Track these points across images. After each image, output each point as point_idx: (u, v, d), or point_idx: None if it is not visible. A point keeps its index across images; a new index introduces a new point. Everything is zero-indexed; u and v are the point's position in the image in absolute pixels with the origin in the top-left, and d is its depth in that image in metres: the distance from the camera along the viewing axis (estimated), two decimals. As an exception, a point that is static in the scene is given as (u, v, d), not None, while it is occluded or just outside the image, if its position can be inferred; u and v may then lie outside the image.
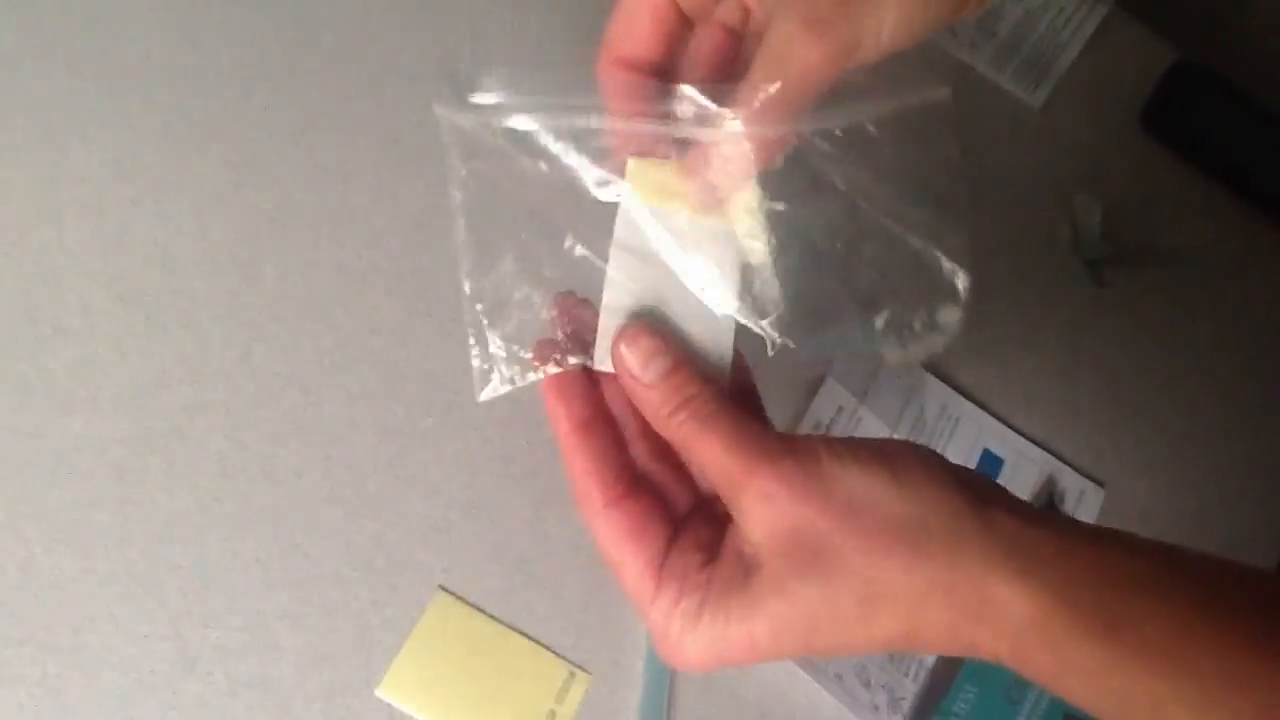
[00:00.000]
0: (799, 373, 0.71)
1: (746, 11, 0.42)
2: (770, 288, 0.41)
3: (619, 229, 0.40)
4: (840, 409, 0.71)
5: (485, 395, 0.42)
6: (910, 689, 0.65)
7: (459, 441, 0.65)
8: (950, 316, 0.42)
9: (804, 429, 0.70)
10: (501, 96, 0.39)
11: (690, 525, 0.40)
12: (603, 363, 0.40)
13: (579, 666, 0.62)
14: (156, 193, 0.67)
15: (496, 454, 0.65)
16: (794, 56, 0.36)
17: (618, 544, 0.39)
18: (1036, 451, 0.74)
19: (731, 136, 0.38)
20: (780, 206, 0.40)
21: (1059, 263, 0.82)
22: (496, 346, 0.42)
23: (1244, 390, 0.81)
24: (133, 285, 0.64)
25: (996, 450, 0.73)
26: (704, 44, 0.42)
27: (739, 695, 0.63)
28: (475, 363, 0.42)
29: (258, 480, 0.62)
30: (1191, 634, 0.32)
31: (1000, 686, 0.65)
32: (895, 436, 0.71)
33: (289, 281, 0.67)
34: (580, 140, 0.39)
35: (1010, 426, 0.74)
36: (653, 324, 0.40)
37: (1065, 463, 0.74)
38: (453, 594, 0.62)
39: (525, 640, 0.62)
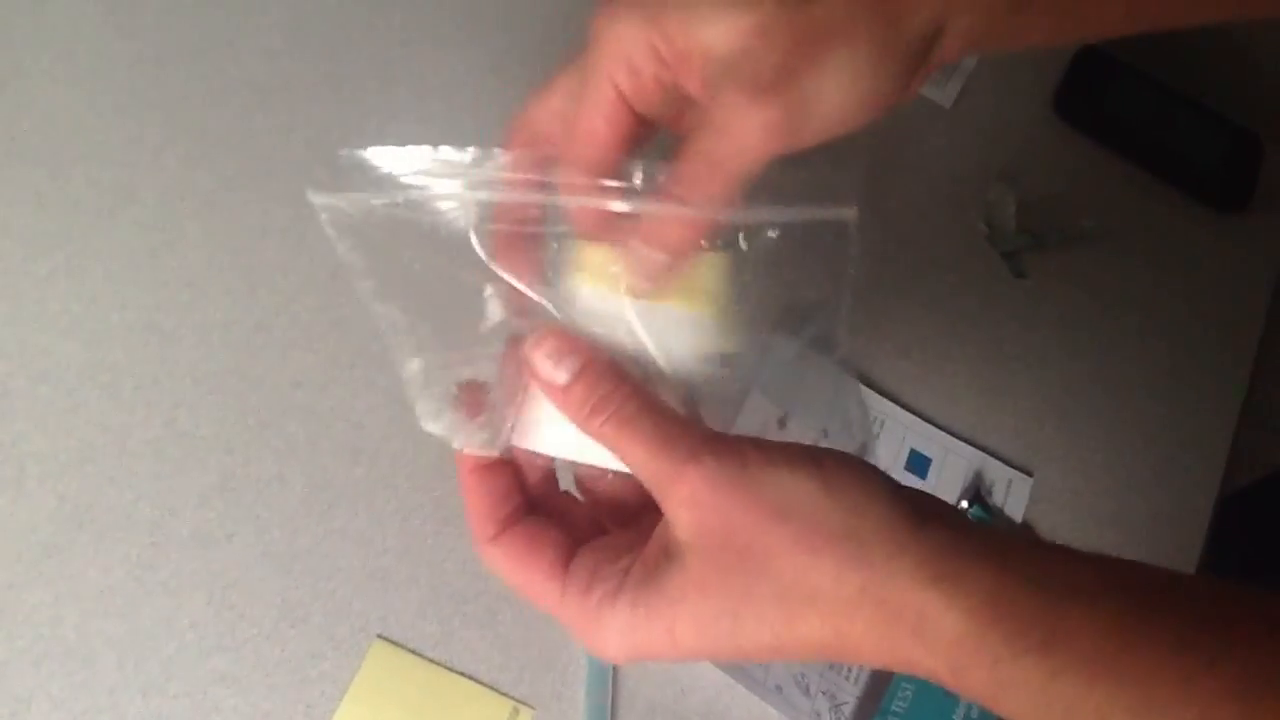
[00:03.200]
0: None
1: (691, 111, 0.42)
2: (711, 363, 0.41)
3: (562, 314, 0.40)
4: (766, 421, 0.72)
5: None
6: (851, 692, 0.66)
7: (389, 489, 0.66)
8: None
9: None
10: (383, 173, 0.39)
11: (598, 538, 0.40)
12: (521, 440, 0.40)
13: (522, 702, 0.62)
14: (71, 265, 0.68)
15: (428, 498, 0.66)
16: (736, 124, 0.36)
17: (513, 565, 0.39)
18: (963, 447, 0.75)
19: (667, 213, 0.37)
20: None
21: (977, 257, 0.83)
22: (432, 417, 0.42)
23: (1168, 369, 0.82)
24: (52, 361, 0.65)
25: (923, 449, 0.74)
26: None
27: (681, 716, 0.64)
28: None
29: (189, 545, 0.62)
30: (1130, 643, 0.32)
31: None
32: (824, 443, 0.72)
33: (209, 344, 0.67)
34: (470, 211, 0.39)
35: (936, 424, 0.75)
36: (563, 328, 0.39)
37: (993, 455, 0.75)
38: (391, 641, 0.62)
39: (467, 681, 0.62)
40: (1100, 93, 0.89)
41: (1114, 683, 0.31)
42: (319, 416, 0.67)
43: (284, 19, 0.78)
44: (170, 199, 0.71)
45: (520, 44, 0.82)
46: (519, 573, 0.39)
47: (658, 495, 0.36)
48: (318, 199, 0.39)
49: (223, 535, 0.63)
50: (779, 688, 0.65)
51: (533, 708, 0.62)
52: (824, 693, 0.65)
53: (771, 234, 0.39)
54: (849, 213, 0.38)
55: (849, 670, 0.66)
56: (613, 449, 0.37)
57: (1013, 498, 0.74)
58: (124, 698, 0.58)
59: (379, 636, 0.62)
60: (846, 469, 0.35)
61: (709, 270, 0.40)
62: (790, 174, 0.39)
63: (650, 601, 0.35)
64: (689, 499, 0.35)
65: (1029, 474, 0.75)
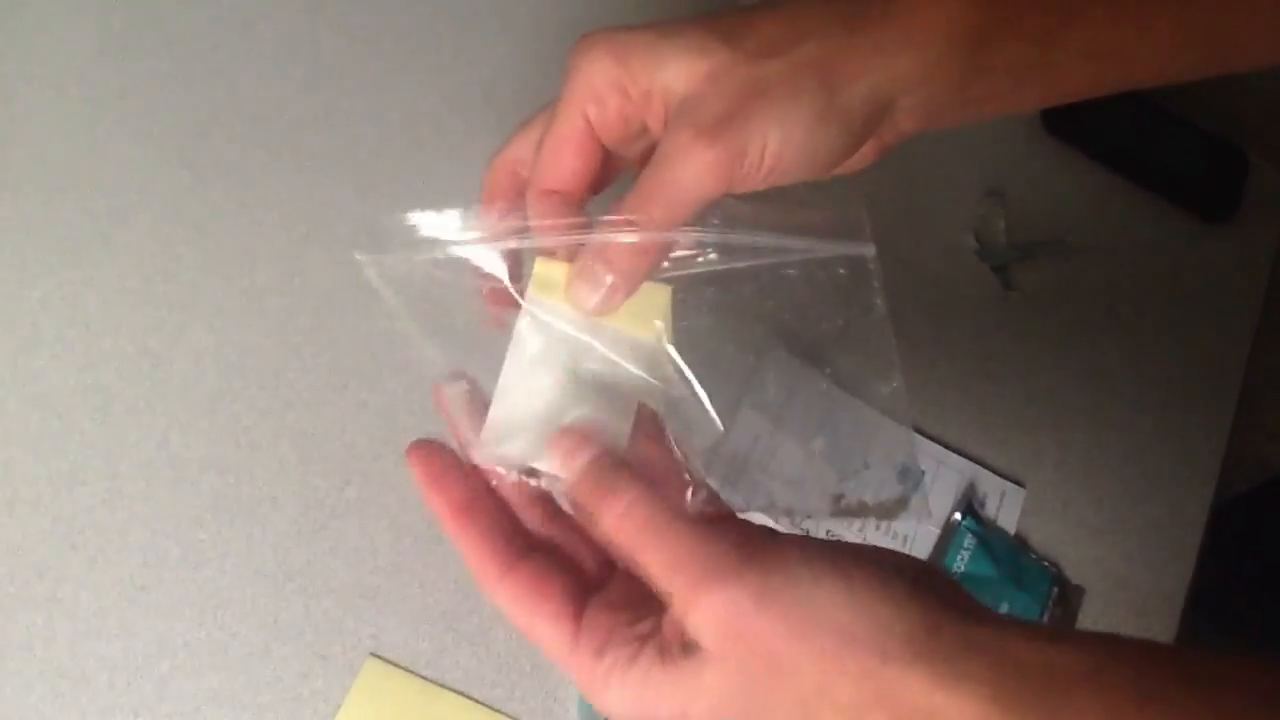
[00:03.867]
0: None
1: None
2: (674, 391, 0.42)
3: (520, 326, 0.41)
4: (757, 437, 0.72)
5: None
6: None
7: (381, 507, 0.66)
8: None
9: (722, 459, 0.71)
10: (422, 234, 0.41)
11: (605, 580, 0.40)
12: (485, 459, 0.40)
13: (514, 718, 0.62)
14: (63, 292, 0.68)
15: (419, 517, 0.66)
16: (679, 160, 0.38)
17: (522, 607, 0.38)
18: (955, 459, 0.75)
19: (617, 237, 0.39)
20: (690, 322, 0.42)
21: (966, 270, 0.83)
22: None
23: (1158, 380, 0.82)
24: (44, 385, 0.65)
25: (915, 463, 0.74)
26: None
27: (675, 730, 0.64)
28: None
29: (181, 566, 0.62)
30: None
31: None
32: (814, 459, 0.73)
33: (201, 367, 0.68)
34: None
35: (928, 437, 0.76)
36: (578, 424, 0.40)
37: (985, 467, 0.75)
38: (383, 659, 0.62)
39: (458, 698, 0.62)
40: (1088, 108, 0.89)
41: None
42: (310, 437, 0.67)
43: (276, 46, 0.79)
44: (163, 224, 0.71)
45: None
46: (526, 613, 0.38)
47: (677, 607, 0.36)
48: (364, 258, 0.40)
49: (215, 555, 0.63)
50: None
51: (526, 724, 0.62)
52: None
53: (790, 272, 0.41)
54: (867, 249, 0.41)
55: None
56: (628, 555, 0.37)
57: (1005, 509, 0.74)
58: (117, 718, 0.58)
59: (371, 655, 0.62)
60: (874, 578, 0.35)
61: (649, 299, 0.40)
62: (801, 211, 0.41)
63: (663, 686, 0.36)
64: (712, 619, 0.35)
65: (1021, 485, 0.75)
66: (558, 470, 0.39)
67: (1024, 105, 0.44)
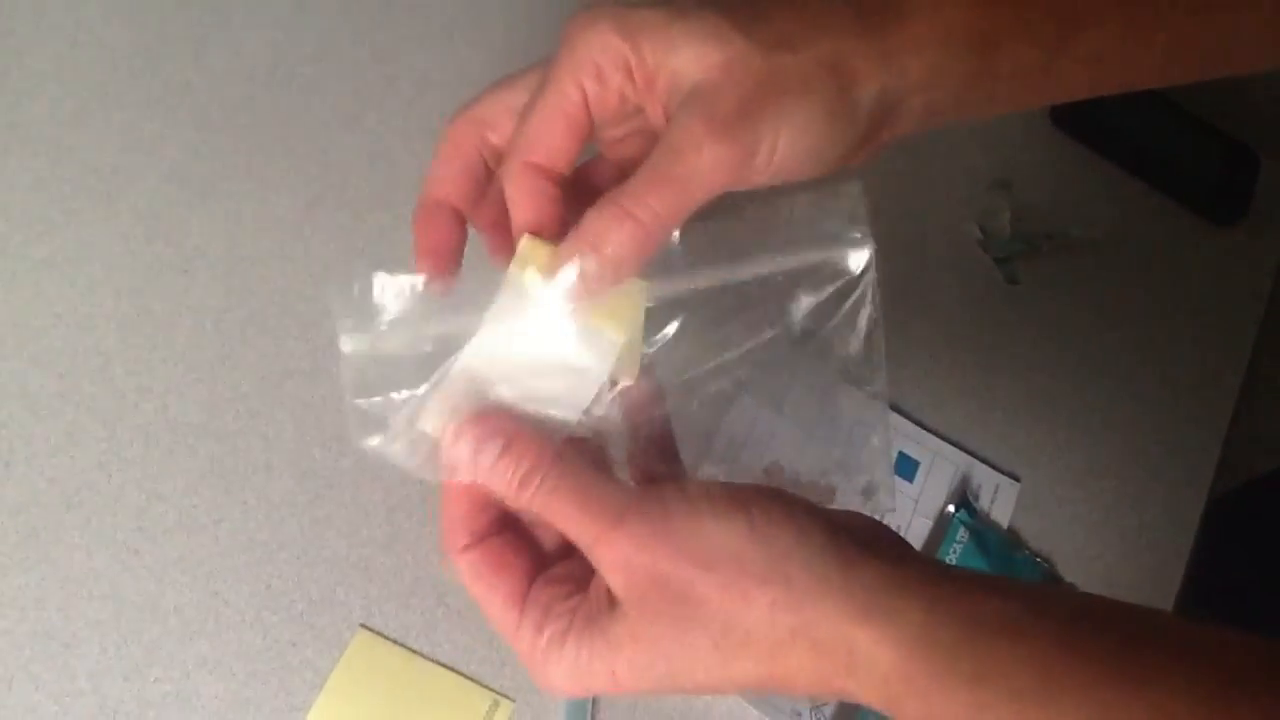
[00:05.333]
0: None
1: (635, 133, 0.43)
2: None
3: (500, 299, 0.40)
4: (755, 422, 0.72)
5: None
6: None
7: (376, 480, 0.66)
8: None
9: (718, 446, 0.71)
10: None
11: (560, 560, 0.41)
12: (426, 424, 0.40)
13: (502, 694, 0.63)
14: (67, 252, 0.68)
15: (414, 490, 0.66)
16: (691, 153, 0.37)
17: (479, 580, 0.40)
18: (952, 450, 0.75)
19: (610, 222, 0.37)
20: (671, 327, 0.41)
21: (970, 262, 0.83)
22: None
23: (1158, 379, 0.82)
24: (44, 345, 0.65)
25: (911, 452, 0.74)
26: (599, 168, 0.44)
27: (663, 713, 0.64)
28: None
29: (175, 531, 0.63)
30: (1059, 676, 0.33)
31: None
32: (808, 450, 0.73)
33: (202, 331, 0.68)
34: None
35: (924, 427, 0.76)
36: (479, 410, 0.40)
37: (981, 460, 0.75)
38: (374, 631, 0.63)
39: (448, 672, 0.63)
40: (1096, 103, 0.89)
41: (1042, 717, 0.33)
42: (308, 407, 0.67)
43: (288, 7, 0.78)
44: (167, 188, 0.71)
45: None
46: (482, 587, 0.40)
47: (591, 559, 0.37)
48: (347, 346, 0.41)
49: (209, 522, 0.63)
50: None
51: (512, 700, 0.63)
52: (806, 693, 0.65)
53: (780, 278, 0.41)
54: (864, 255, 0.41)
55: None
56: (546, 519, 0.38)
57: (1000, 503, 0.74)
58: (106, 681, 0.58)
59: (362, 626, 0.63)
60: (775, 511, 0.36)
61: (626, 295, 0.40)
62: (799, 215, 0.41)
63: (594, 646, 0.37)
64: (618, 561, 0.36)
65: (1016, 479, 0.75)
66: (469, 462, 0.39)
67: (1022, 106, 0.44)
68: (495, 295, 0.40)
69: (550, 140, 0.40)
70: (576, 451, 0.39)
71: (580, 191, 0.42)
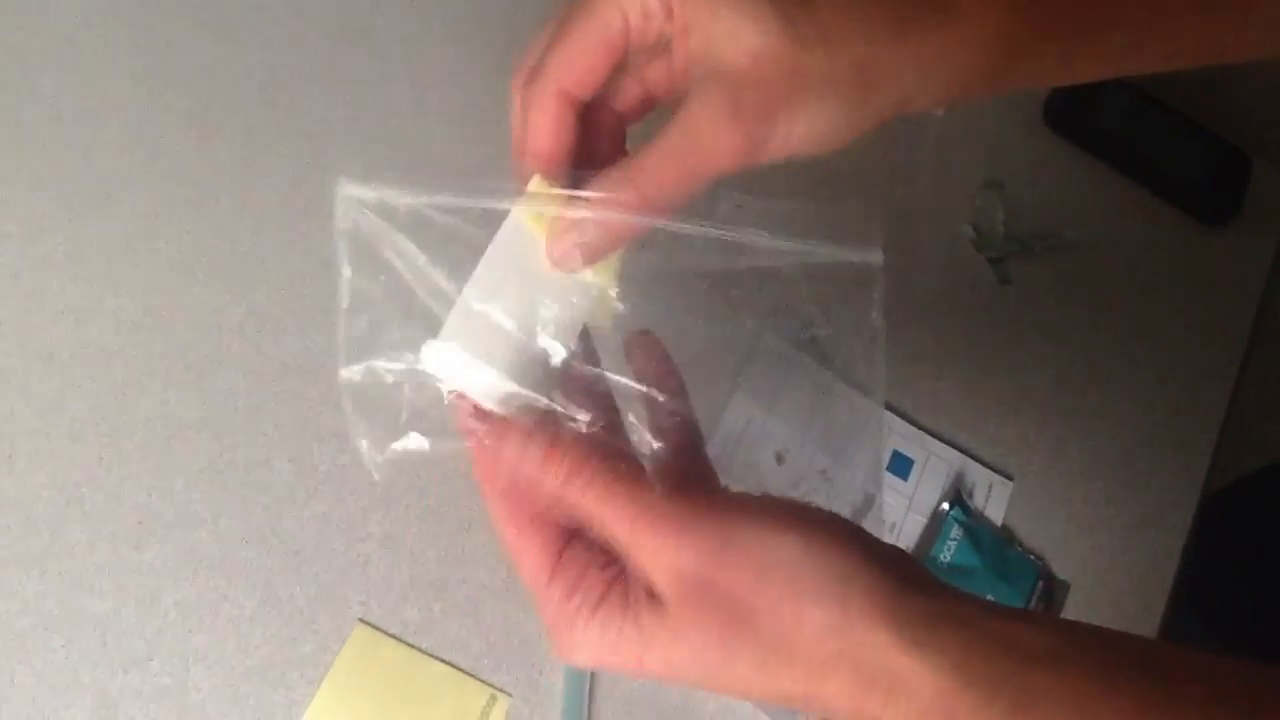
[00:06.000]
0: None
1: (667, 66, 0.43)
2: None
3: (501, 233, 0.41)
4: (750, 420, 0.73)
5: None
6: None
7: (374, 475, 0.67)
8: None
9: (716, 442, 0.72)
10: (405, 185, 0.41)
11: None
12: (429, 361, 0.40)
13: (499, 689, 0.63)
14: (68, 249, 0.69)
15: (412, 485, 0.67)
16: (708, 138, 0.38)
17: (511, 524, 0.39)
18: (945, 449, 0.76)
19: (619, 194, 0.39)
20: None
21: (964, 262, 0.84)
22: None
23: (1151, 379, 0.83)
24: (46, 342, 0.66)
25: (905, 451, 0.75)
26: (627, 97, 0.44)
27: (659, 708, 0.65)
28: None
29: (174, 526, 0.63)
30: (1094, 709, 0.33)
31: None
32: (805, 445, 0.73)
33: (201, 328, 0.68)
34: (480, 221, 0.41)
35: (919, 426, 0.76)
36: (517, 410, 0.40)
37: (974, 458, 0.76)
38: (372, 626, 0.63)
39: (445, 667, 0.63)
40: (1090, 105, 0.90)
41: None
42: (307, 402, 0.68)
43: (286, 10, 0.79)
44: (168, 186, 0.72)
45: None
46: (513, 539, 0.39)
47: (638, 561, 0.37)
48: (348, 190, 0.42)
49: (209, 517, 0.64)
50: (755, 681, 0.65)
51: (509, 695, 0.63)
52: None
53: (790, 271, 0.42)
54: (875, 255, 0.42)
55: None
56: (591, 519, 0.38)
57: (993, 501, 0.75)
58: (106, 674, 0.59)
59: (360, 621, 0.63)
60: (836, 532, 0.36)
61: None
62: (815, 209, 0.42)
63: (624, 630, 0.36)
64: (674, 570, 0.36)
65: (1010, 478, 0.76)
66: (516, 457, 0.39)
67: (1028, 89, 0.45)
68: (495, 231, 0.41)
69: (585, 65, 0.40)
70: (617, 456, 0.39)
71: (590, 111, 0.43)
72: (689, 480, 0.42)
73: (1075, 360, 0.82)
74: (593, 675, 0.64)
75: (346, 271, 0.41)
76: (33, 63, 0.73)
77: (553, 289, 0.41)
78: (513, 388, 0.40)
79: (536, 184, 0.41)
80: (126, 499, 0.63)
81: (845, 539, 0.36)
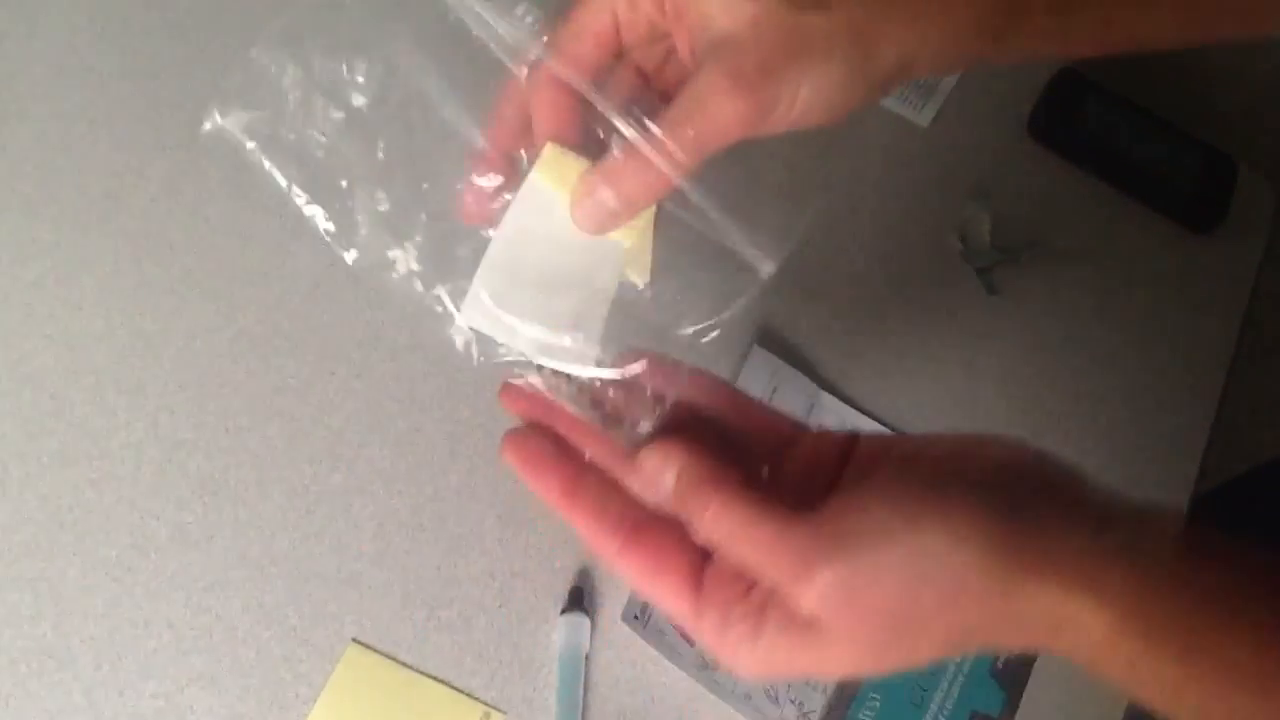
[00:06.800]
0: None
1: (668, 55, 0.45)
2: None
3: (520, 197, 0.42)
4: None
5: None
6: (818, 700, 0.67)
7: (366, 494, 0.67)
8: None
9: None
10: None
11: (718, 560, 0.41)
12: (468, 316, 0.42)
13: (493, 706, 0.63)
14: (58, 273, 0.69)
15: (403, 504, 0.67)
16: (713, 105, 0.39)
17: (645, 583, 0.40)
18: (935, 460, 0.76)
19: (629, 162, 0.40)
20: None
21: (950, 273, 0.84)
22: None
23: (1139, 388, 0.83)
24: (36, 365, 0.66)
25: (895, 462, 0.75)
26: (621, 83, 0.45)
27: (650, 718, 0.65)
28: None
29: (167, 547, 0.63)
30: (1273, 653, 0.33)
31: (905, 691, 0.67)
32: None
33: (191, 349, 0.69)
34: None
35: (908, 438, 0.76)
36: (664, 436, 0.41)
37: (964, 469, 0.76)
38: (365, 645, 0.63)
39: (439, 685, 0.63)
40: (1075, 115, 0.91)
41: (1253, 693, 0.33)
42: (298, 422, 0.68)
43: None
44: (156, 207, 0.72)
45: None
46: (650, 589, 0.40)
47: (782, 592, 0.37)
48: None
49: (201, 538, 0.64)
50: (748, 695, 0.66)
51: (504, 712, 0.63)
52: (792, 701, 0.66)
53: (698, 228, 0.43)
54: (768, 266, 0.43)
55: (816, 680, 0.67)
56: (725, 546, 0.38)
57: (982, 511, 0.75)
58: (100, 696, 0.59)
59: (354, 640, 0.63)
60: (953, 508, 0.36)
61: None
62: (749, 194, 0.42)
63: (792, 653, 0.37)
64: (820, 602, 0.36)
65: (999, 488, 0.76)
66: (643, 488, 0.40)
67: (1029, 61, 0.45)
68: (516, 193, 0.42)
69: (578, 57, 0.42)
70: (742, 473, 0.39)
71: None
72: (807, 481, 0.42)
73: (1064, 369, 0.82)
74: (586, 692, 0.64)
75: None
76: (21, 86, 0.74)
77: (577, 249, 0.42)
78: (554, 340, 0.41)
79: (550, 152, 0.42)
80: (119, 521, 0.63)
81: (965, 508, 0.36)
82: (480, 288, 0.42)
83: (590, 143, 0.42)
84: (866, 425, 0.76)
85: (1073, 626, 0.34)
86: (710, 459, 0.39)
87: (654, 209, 0.43)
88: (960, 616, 0.36)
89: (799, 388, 0.76)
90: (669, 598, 0.40)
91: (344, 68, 0.42)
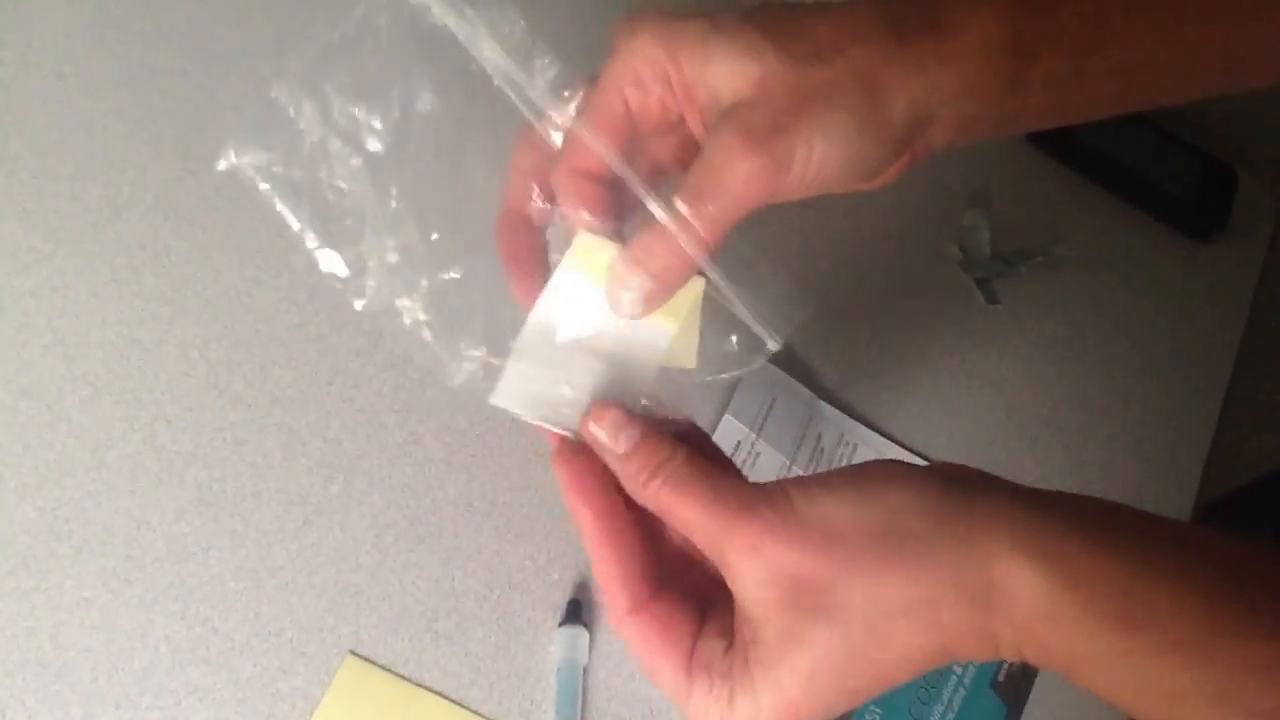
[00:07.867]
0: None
1: (683, 144, 0.44)
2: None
3: (552, 286, 0.42)
4: (738, 444, 0.73)
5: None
6: (818, 714, 0.66)
7: (364, 506, 0.67)
8: None
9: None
10: None
11: (715, 610, 0.41)
12: (501, 400, 0.42)
13: (491, 719, 0.63)
14: (54, 283, 0.69)
15: (401, 516, 0.67)
16: (726, 167, 0.38)
17: (647, 649, 0.40)
18: (934, 470, 0.76)
19: (668, 242, 0.39)
20: None
21: (950, 282, 0.84)
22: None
23: (1140, 397, 0.83)
24: (33, 376, 0.66)
25: (894, 472, 0.75)
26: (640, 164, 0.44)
27: (649, 733, 0.65)
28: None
29: (164, 559, 0.63)
30: (1212, 625, 0.32)
31: (904, 704, 0.67)
32: (794, 467, 0.73)
33: (189, 360, 0.68)
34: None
35: (908, 448, 0.76)
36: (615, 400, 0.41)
37: (964, 479, 0.76)
38: (363, 657, 0.63)
39: (437, 698, 0.63)
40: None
41: (1192, 665, 0.32)
42: (295, 434, 0.68)
43: (274, 39, 0.79)
44: (154, 217, 0.72)
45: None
46: (650, 656, 0.40)
47: (715, 554, 0.37)
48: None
49: (198, 549, 0.64)
50: (746, 707, 0.65)
51: (501, 724, 0.63)
52: (791, 712, 0.66)
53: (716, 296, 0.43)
54: (773, 344, 0.43)
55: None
56: (668, 514, 0.39)
57: (982, 521, 0.75)
58: (97, 709, 0.59)
59: (351, 652, 0.63)
60: (881, 472, 0.37)
61: (683, 289, 0.41)
62: (762, 275, 0.42)
63: (757, 684, 0.36)
64: (747, 547, 0.36)
65: (999, 498, 0.76)
66: (607, 442, 0.40)
67: (1054, 121, 0.44)
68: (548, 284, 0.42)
69: (595, 149, 0.41)
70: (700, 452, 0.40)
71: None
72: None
73: (1065, 379, 0.82)
74: (584, 704, 0.64)
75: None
76: (18, 96, 0.73)
77: (616, 333, 0.42)
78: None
79: (581, 241, 0.42)
80: (115, 532, 0.63)
81: (894, 475, 0.37)
82: (513, 373, 0.42)
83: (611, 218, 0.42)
84: (865, 435, 0.76)
85: (1006, 597, 0.34)
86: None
87: (700, 293, 0.42)
88: (888, 583, 0.35)
89: (797, 398, 0.75)
90: (667, 668, 0.39)
91: (362, 111, 0.42)
